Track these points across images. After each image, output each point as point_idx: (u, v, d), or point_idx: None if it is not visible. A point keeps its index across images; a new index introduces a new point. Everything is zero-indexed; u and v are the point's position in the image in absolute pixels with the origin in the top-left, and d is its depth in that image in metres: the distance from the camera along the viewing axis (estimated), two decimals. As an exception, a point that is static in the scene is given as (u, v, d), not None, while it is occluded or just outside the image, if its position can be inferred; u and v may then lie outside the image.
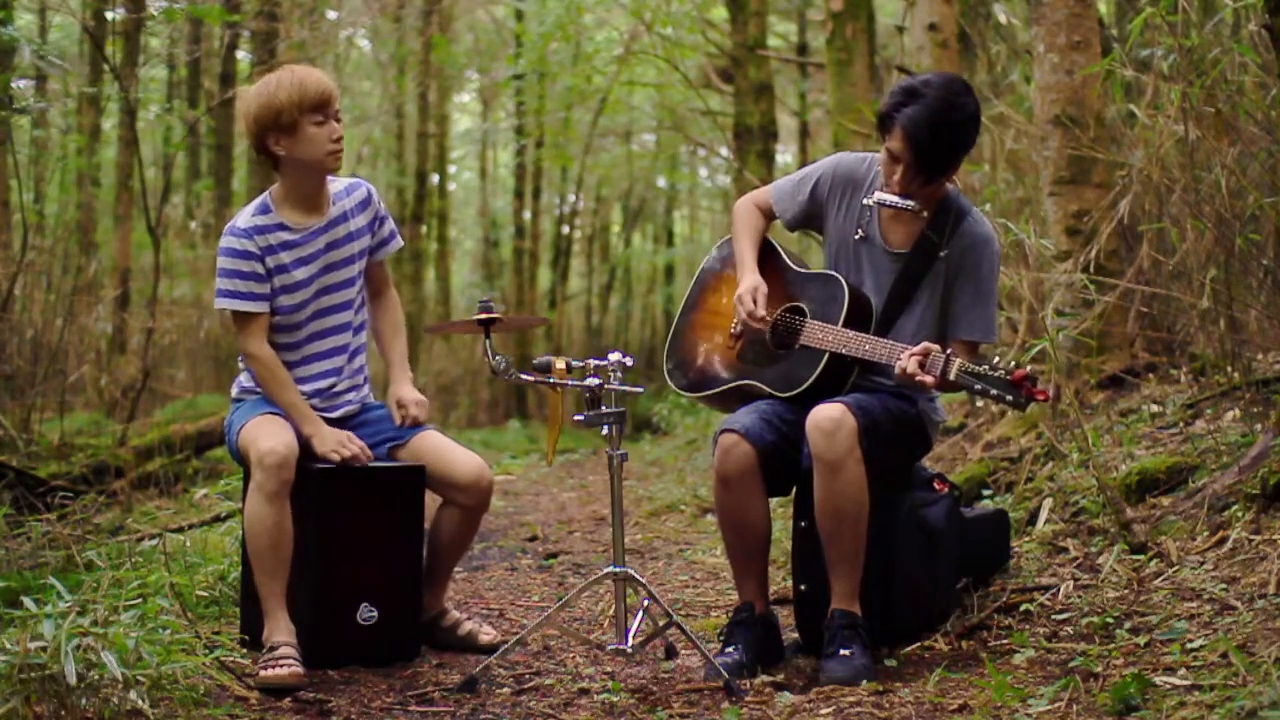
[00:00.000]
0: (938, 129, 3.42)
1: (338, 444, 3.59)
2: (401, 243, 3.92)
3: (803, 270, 3.72)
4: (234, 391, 3.80)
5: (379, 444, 3.74)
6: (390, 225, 3.87)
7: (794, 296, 3.67)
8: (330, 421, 3.70)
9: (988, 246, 3.58)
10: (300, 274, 3.66)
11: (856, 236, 3.66)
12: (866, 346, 3.44)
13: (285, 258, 3.65)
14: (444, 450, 3.73)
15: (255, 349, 3.63)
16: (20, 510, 5.06)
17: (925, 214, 3.54)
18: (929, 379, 3.29)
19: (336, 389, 3.74)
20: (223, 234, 3.67)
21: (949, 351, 3.31)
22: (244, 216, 3.68)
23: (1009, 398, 3.20)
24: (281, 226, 3.65)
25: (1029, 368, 3.23)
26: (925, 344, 3.33)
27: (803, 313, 3.62)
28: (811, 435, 3.39)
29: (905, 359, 3.32)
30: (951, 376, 3.27)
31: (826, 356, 3.51)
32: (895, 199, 3.51)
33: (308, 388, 3.70)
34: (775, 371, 3.62)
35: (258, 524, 3.41)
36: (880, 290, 3.61)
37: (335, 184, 3.77)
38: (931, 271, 3.58)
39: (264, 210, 3.67)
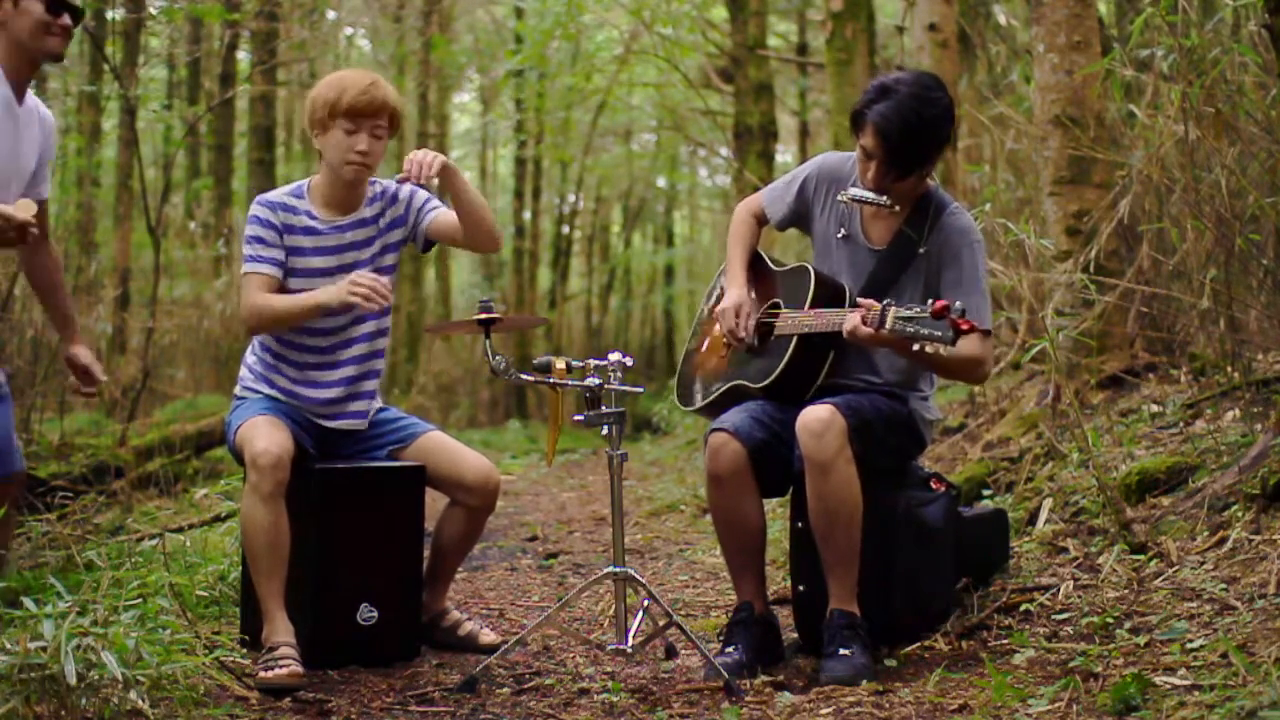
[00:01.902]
0: (908, 125, 3.42)
1: (357, 290, 3.46)
2: (444, 208, 3.81)
3: (782, 269, 3.75)
4: (236, 389, 3.80)
5: (382, 447, 3.74)
6: (431, 201, 3.80)
7: (772, 294, 3.71)
8: (328, 432, 3.70)
9: (967, 236, 3.56)
10: (318, 262, 3.68)
11: (839, 235, 3.67)
12: (825, 319, 3.44)
13: (305, 242, 3.67)
14: (451, 451, 3.74)
15: (256, 297, 3.60)
16: (20, 510, 5.05)
17: (898, 209, 3.55)
18: (869, 330, 3.28)
19: (342, 399, 3.72)
20: (254, 201, 3.73)
21: (886, 302, 3.29)
22: (277, 191, 3.75)
23: (938, 334, 3.17)
24: (309, 214, 3.70)
25: (956, 304, 3.20)
26: (868, 300, 3.33)
27: (778, 307, 3.65)
28: (801, 437, 3.40)
29: (849, 318, 3.33)
30: (888, 326, 3.24)
31: (795, 340, 3.52)
32: (868, 195, 3.51)
33: (315, 393, 3.69)
34: (754, 366, 3.66)
35: (254, 525, 3.41)
36: (862, 284, 3.61)
37: (376, 186, 3.78)
38: (911, 266, 3.58)
39: (298, 194, 3.73)
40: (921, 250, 3.55)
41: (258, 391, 3.71)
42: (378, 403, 3.84)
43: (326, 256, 3.69)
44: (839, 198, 3.62)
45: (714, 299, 3.94)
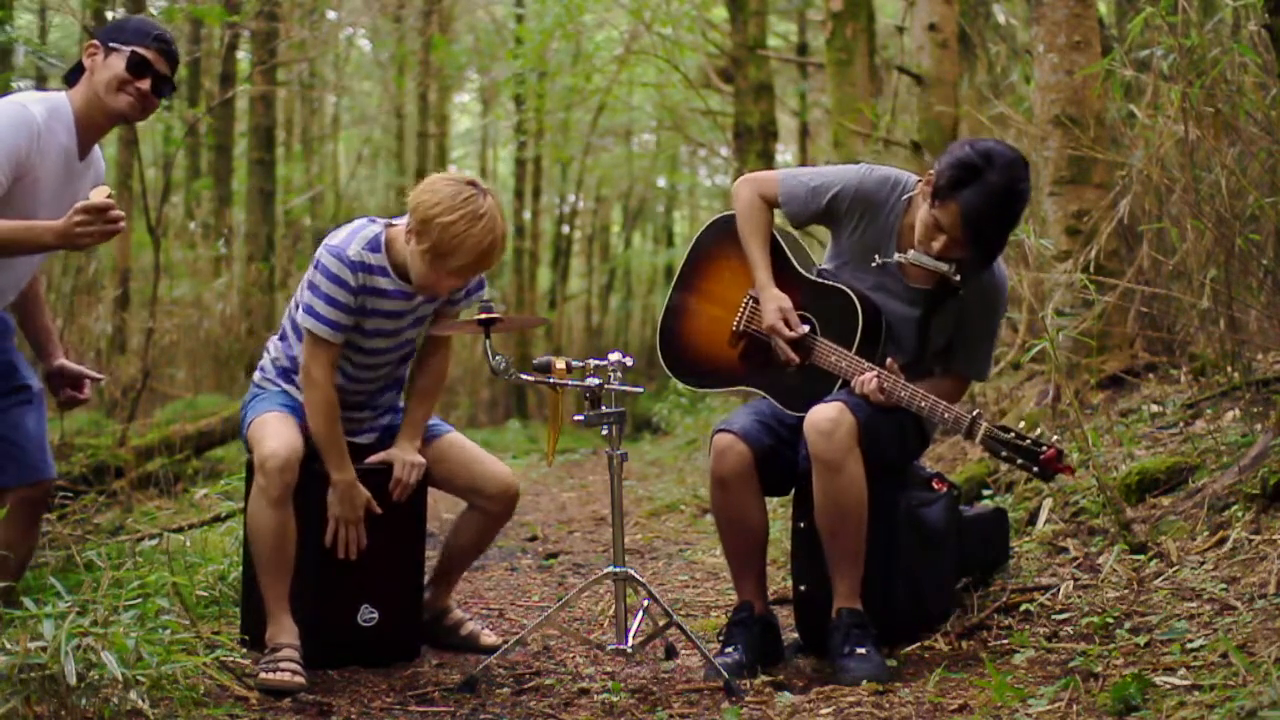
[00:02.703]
0: (990, 221, 3.35)
1: (343, 513, 3.52)
2: (474, 300, 3.75)
3: (813, 279, 3.65)
4: (256, 375, 3.75)
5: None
6: (476, 295, 3.71)
7: (803, 307, 3.60)
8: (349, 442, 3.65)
9: (1002, 292, 3.61)
10: (371, 323, 3.58)
11: (874, 263, 3.58)
12: (887, 384, 3.43)
13: (374, 303, 3.55)
14: (471, 456, 3.71)
15: (319, 375, 3.50)
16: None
17: (959, 278, 3.47)
18: (882, 399, 3.39)
19: (361, 417, 3.71)
20: (326, 250, 3.49)
21: (975, 413, 3.34)
22: (354, 245, 3.49)
23: (1034, 469, 3.27)
24: (384, 273, 3.52)
25: (1055, 439, 3.33)
26: (887, 376, 3.40)
27: (812, 326, 3.59)
28: (810, 436, 3.39)
29: (862, 380, 3.40)
30: (977, 439, 3.31)
31: (839, 383, 3.50)
32: (930, 261, 3.44)
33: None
34: (784, 386, 3.59)
35: (261, 527, 3.39)
36: (894, 318, 3.57)
37: None
38: (945, 306, 3.57)
39: (374, 249, 3.52)
40: (961, 292, 3.54)
41: (276, 383, 3.68)
42: (399, 408, 3.81)
43: (382, 319, 3.58)
44: (897, 257, 3.53)
45: (713, 247, 3.82)
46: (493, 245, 3.39)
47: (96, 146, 3.53)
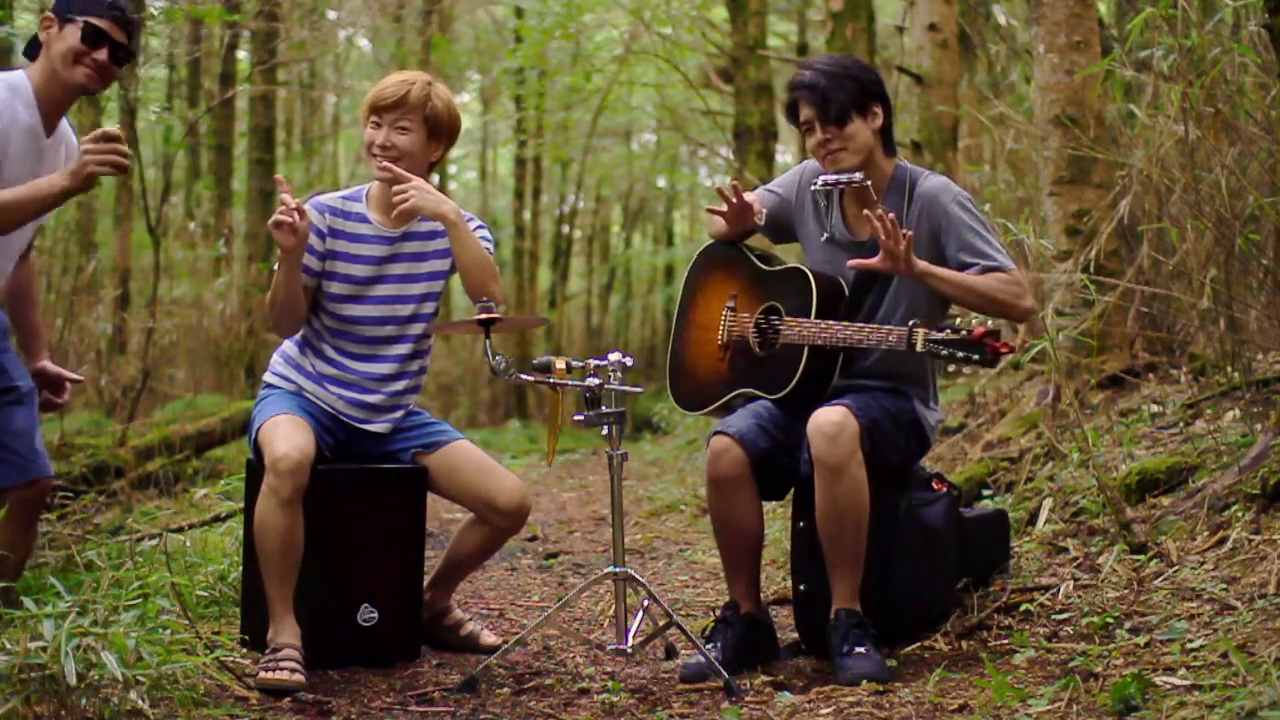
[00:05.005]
0: (827, 73, 3.52)
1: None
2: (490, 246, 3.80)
3: (771, 269, 3.71)
4: (266, 375, 3.76)
5: (407, 448, 3.70)
6: (483, 236, 3.74)
7: (767, 296, 3.66)
8: (352, 429, 3.65)
9: (946, 194, 3.55)
10: (358, 270, 3.64)
11: (823, 238, 3.67)
12: (840, 334, 3.42)
13: (350, 248, 3.64)
14: (481, 466, 3.66)
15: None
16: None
17: (869, 181, 3.54)
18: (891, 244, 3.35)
19: (373, 402, 3.66)
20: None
21: (912, 322, 3.32)
22: (333, 194, 3.73)
23: (975, 357, 3.21)
24: (362, 219, 3.66)
25: (989, 323, 3.26)
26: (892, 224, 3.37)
27: (778, 312, 3.61)
28: (814, 439, 3.39)
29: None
30: (919, 347, 3.27)
31: (806, 351, 3.50)
32: (835, 176, 3.54)
33: (346, 392, 3.64)
34: (763, 374, 3.62)
35: (269, 529, 3.38)
36: (863, 281, 3.59)
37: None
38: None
39: (354, 198, 3.71)
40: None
41: (289, 380, 3.68)
42: (405, 411, 3.78)
43: (366, 266, 3.64)
44: (812, 189, 3.64)
45: (697, 275, 3.88)
46: (404, 82, 3.57)
47: (65, 122, 3.49)
